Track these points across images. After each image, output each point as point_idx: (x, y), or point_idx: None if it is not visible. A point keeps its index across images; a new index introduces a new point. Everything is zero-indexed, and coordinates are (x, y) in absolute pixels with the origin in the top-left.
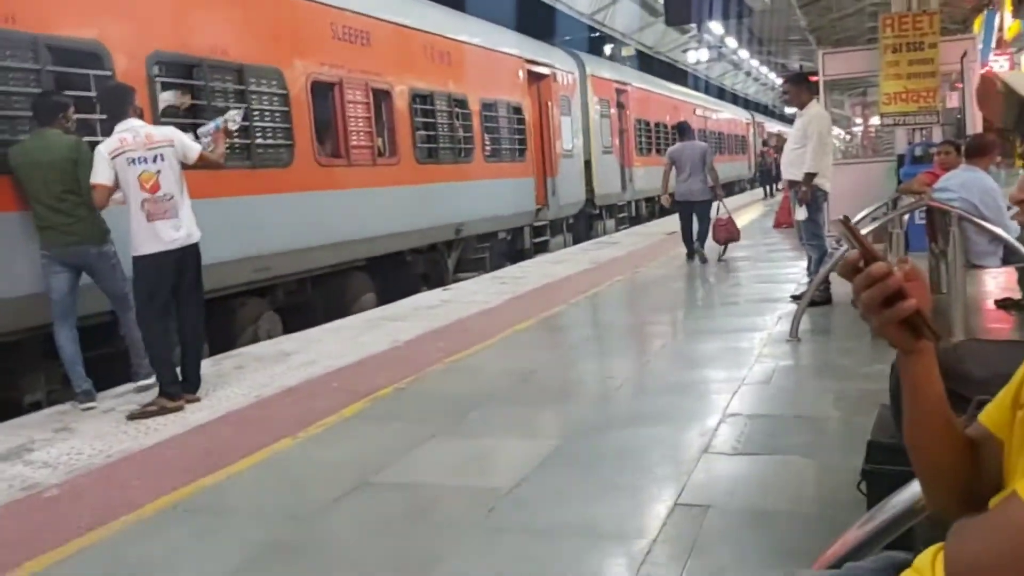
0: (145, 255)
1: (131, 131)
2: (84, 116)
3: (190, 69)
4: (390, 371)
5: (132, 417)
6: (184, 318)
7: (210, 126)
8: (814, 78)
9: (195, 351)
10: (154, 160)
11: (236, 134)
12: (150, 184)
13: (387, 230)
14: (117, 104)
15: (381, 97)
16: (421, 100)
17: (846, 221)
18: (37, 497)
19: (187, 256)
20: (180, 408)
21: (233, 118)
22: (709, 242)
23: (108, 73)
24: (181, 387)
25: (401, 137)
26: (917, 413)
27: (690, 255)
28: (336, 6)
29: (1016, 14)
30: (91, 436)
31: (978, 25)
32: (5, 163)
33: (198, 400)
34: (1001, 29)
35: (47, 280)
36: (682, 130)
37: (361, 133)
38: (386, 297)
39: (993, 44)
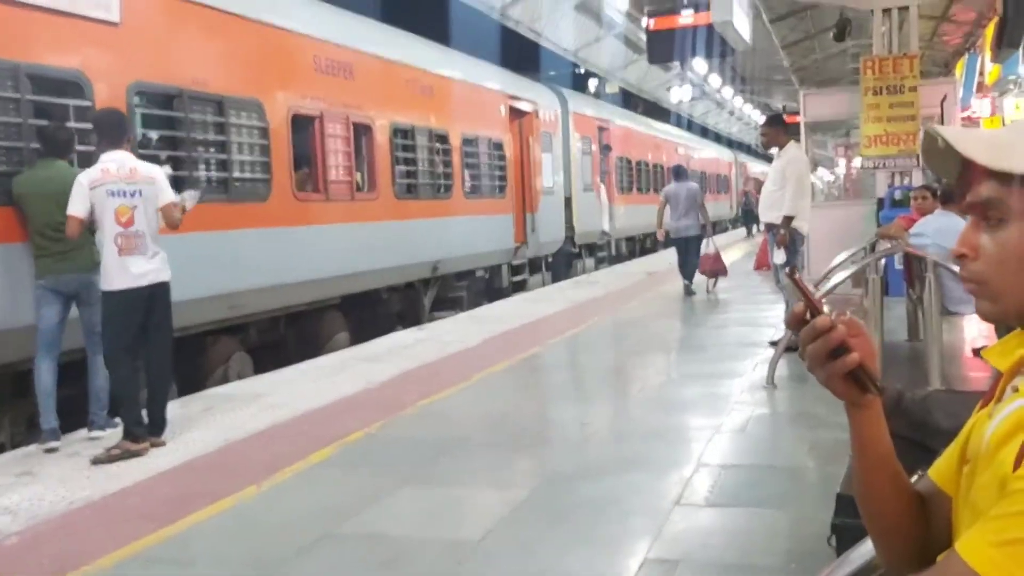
0: (115, 291)
1: (116, 162)
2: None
3: (170, 100)
4: (361, 415)
5: (96, 462)
6: (152, 359)
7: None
8: (793, 119)
9: (162, 393)
10: (132, 195)
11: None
12: (125, 218)
13: (364, 267)
14: (113, 131)
15: (361, 131)
16: (402, 135)
17: (791, 273)
18: None
19: (156, 294)
20: (144, 451)
21: (192, 196)
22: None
23: (88, 103)
24: (146, 430)
25: (380, 172)
26: (864, 468)
27: (688, 290)
28: (320, 38)
29: (996, 59)
30: (54, 481)
31: (960, 69)
32: (7, 192)
33: (163, 444)
34: (982, 73)
35: (38, 310)
36: (677, 172)
37: (340, 167)
38: (361, 336)
39: (975, 88)
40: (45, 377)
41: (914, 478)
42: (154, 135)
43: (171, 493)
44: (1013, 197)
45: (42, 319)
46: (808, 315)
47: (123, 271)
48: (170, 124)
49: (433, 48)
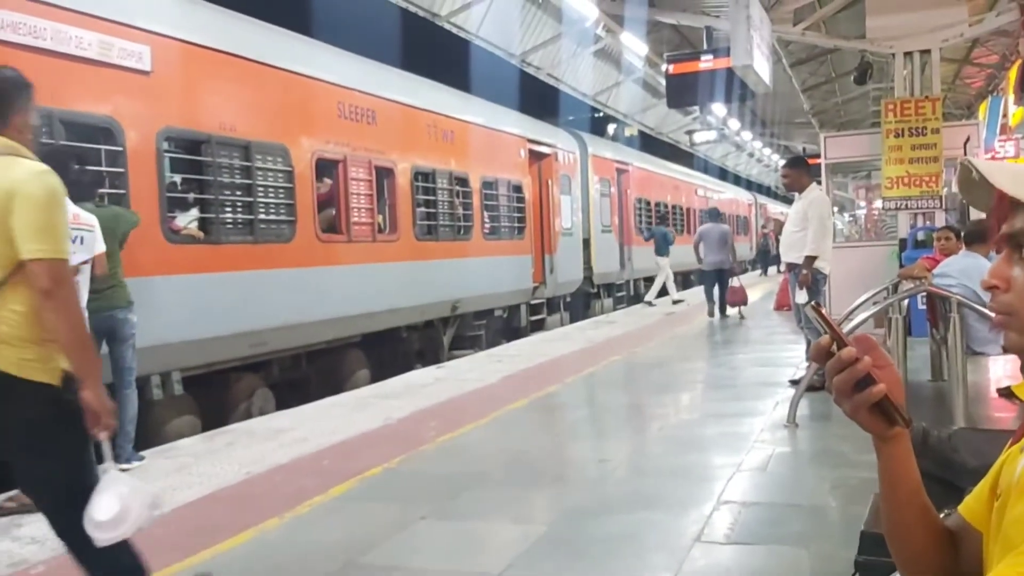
0: None
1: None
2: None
3: (199, 145)
4: (381, 450)
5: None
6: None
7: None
8: (814, 161)
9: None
10: (74, 241)
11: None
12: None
13: (384, 306)
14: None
15: (384, 174)
16: (423, 178)
17: (817, 307)
18: (24, 575)
19: None
20: None
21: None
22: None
23: (119, 148)
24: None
25: (402, 214)
26: (893, 502)
27: (711, 312)
28: (344, 85)
29: (1019, 101)
30: None
31: (983, 111)
32: None
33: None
34: (1005, 115)
35: None
36: (712, 214)
37: (362, 210)
38: (380, 374)
39: (998, 130)
40: None
41: (941, 515)
42: (181, 179)
43: (195, 524)
44: None
45: None
46: (834, 347)
47: None
48: (198, 168)
49: (453, 94)
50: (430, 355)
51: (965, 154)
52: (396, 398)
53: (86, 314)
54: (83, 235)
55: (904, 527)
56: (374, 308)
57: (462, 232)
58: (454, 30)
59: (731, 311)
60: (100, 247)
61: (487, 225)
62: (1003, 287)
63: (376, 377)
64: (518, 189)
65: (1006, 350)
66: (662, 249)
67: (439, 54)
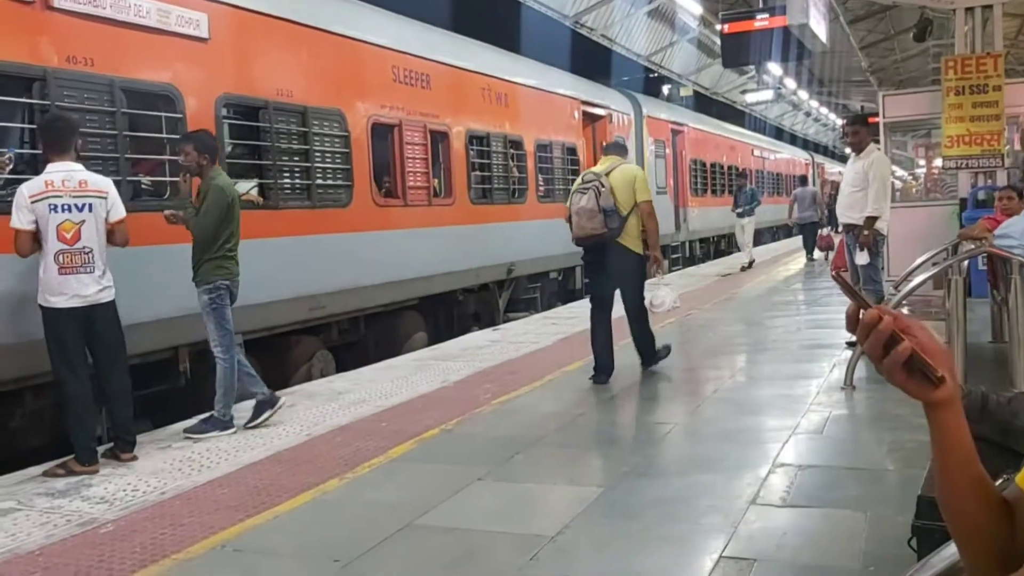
0: (52, 308)
1: (64, 173)
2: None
3: (256, 111)
4: (438, 412)
5: (46, 474)
6: (106, 378)
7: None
8: (873, 120)
9: (124, 410)
10: (80, 209)
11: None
12: (71, 234)
13: (440, 269)
14: (59, 139)
15: (438, 138)
16: (477, 141)
17: (837, 276)
18: (93, 533)
19: (97, 314)
20: (94, 471)
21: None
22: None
23: (179, 115)
24: (119, 447)
25: (457, 178)
26: (946, 470)
27: (809, 258)
28: (398, 49)
29: None
30: (147, 473)
31: None
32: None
33: (135, 459)
34: None
35: (224, 311)
36: (803, 179)
37: (418, 174)
38: (437, 336)
39: None
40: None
41: (999, 482)
42: (241, 145)
43: (257, 484)
44: None
45: (228, 318)
46: (861, 314)
47: (63, 289)
48: (256, 134)
49: (507, 57)
50: (486, 318)
51: None
52: (452, 360)
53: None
54: (91, 202)
55: (957, 497)
56: (430, 272)
57: (516, 195)
58: None
59: (818, 254)
60: (118, 213)
61: (541, 188)
62: None
63: (433, 340)
64: (572, 151)
65: None
66: (750, 209)
67: (490, 17)
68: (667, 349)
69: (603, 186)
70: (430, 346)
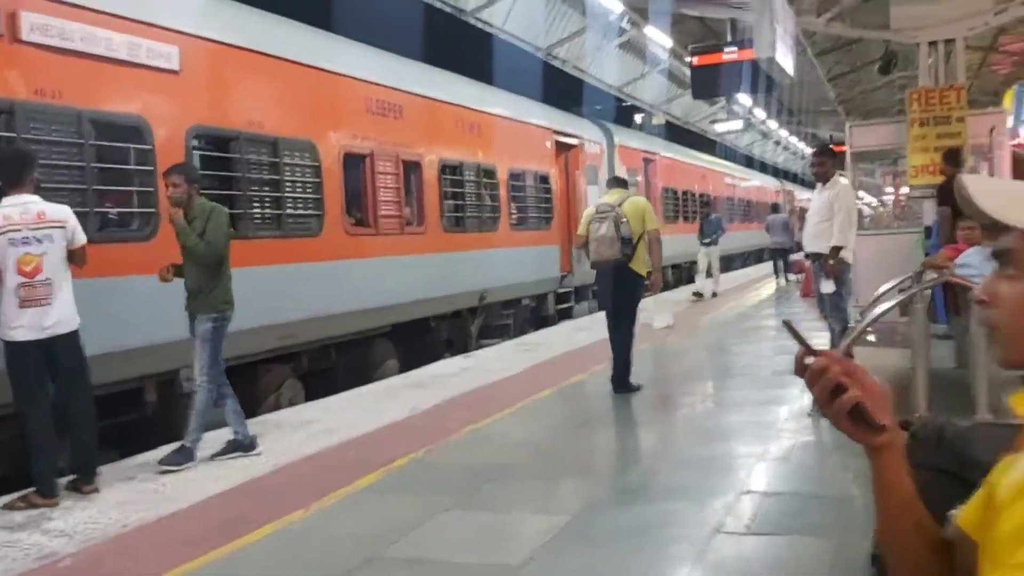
0: (14, 342)
1: (20, 207)
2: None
3: (227, 142)
4: (407, 441)
5: (6, 507)
6: (69, 407)
7: None
8: (840, 149)
9: (86, 441)
10: (39, 241)
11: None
12: (31, 268)
13: (412, 297)
14: (14, 172)
15: (411, 168)
16: (450, 171)
17: (787, 323)
18: (52, 566)
19: (59, 345)
20: (55, 504)
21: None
22: None
23: (148, 147)
24: (80, 480)
25: (429, 206)
26: (886, 512)
27: (777, 281)
28: (370, 81)
29: None
30: (110, 505)
31: (1008, 98)
32: None
33: (97, 490)
34: None
35: (220, 341)
36: (774, 207)
37: (390, 203)
38: (409, 363)
39: None
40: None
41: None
42: (211, 176)
43: (222, 516)
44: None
45: (221, 350)
46: (808, 360)
47: (23, 322)
48: (227, 165)
49: (479, 88)
50: (459, 344)
51: (991, 143)
52: (423, 388)
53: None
54: (52, 233)
55: (897, 539)
56: (401, 299)
57: (489, 223)
58: (480, 24)
59: (792, 277)
60: (79, 240)
61: (514, 216)
62: (990, 302)
63: (405, 367)
64: (545, 180)
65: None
66: (716, 239)
67: (463, 49)
68: (639, 387)
69: (622, 217)
70: (401, 374)
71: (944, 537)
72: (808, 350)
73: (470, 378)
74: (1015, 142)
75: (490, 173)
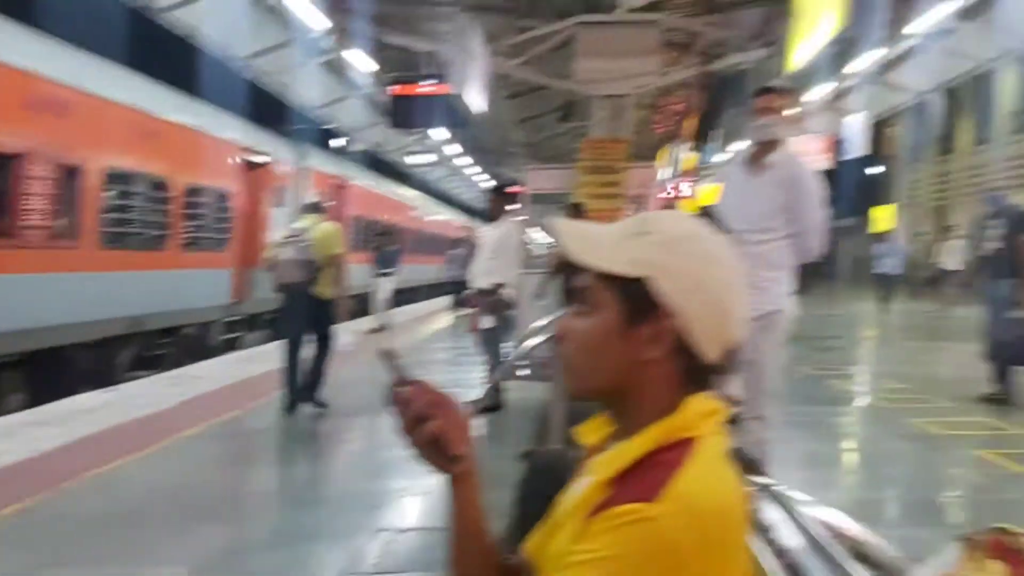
0: None
1: None
2: None
3: None
4: (17, 488)
5: None
6: None
7: None
8: (518, 190)
9: None
10: None
11: None
12: None
13: (49, 322)
14: None
15: (71, 174)
16: (116, 180)
17: (385, 352)
18: None
19: None
20: None
21: None
22: None
23: None
24: None
25: (87, 219)
26: (457, 537)
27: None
28: (26, 69)
29: (695, 148)
30: None
31: (664, 155)
32: None
33: None
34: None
35: None
36: (455, 243)
37: (37, 212)
38: (43, 398)
39: (680, 172)
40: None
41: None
42: None
43: None
44: (594, 290)
45: None
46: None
47: None
48: None
49: (164, 91)
50: (107, 376)
51: (648, 193)
52: (51, 425)
53: None
54: None
55: (465, 564)
56: (36, 324)
57: (156, 241)
58: (174, 29)
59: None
60: None
61: (184, 235)
62: (564, 337)
63: (36, 402)
64: (224, 198)
65: None
66: (389, 268)
67: (167, 53)
68: (326, 405)
69: (307, 241)
70: (28, 409)
71: (511, 564)
72: (400, 380)
73: (111, 414)
74: (662, 195)
75: (161, 186)
